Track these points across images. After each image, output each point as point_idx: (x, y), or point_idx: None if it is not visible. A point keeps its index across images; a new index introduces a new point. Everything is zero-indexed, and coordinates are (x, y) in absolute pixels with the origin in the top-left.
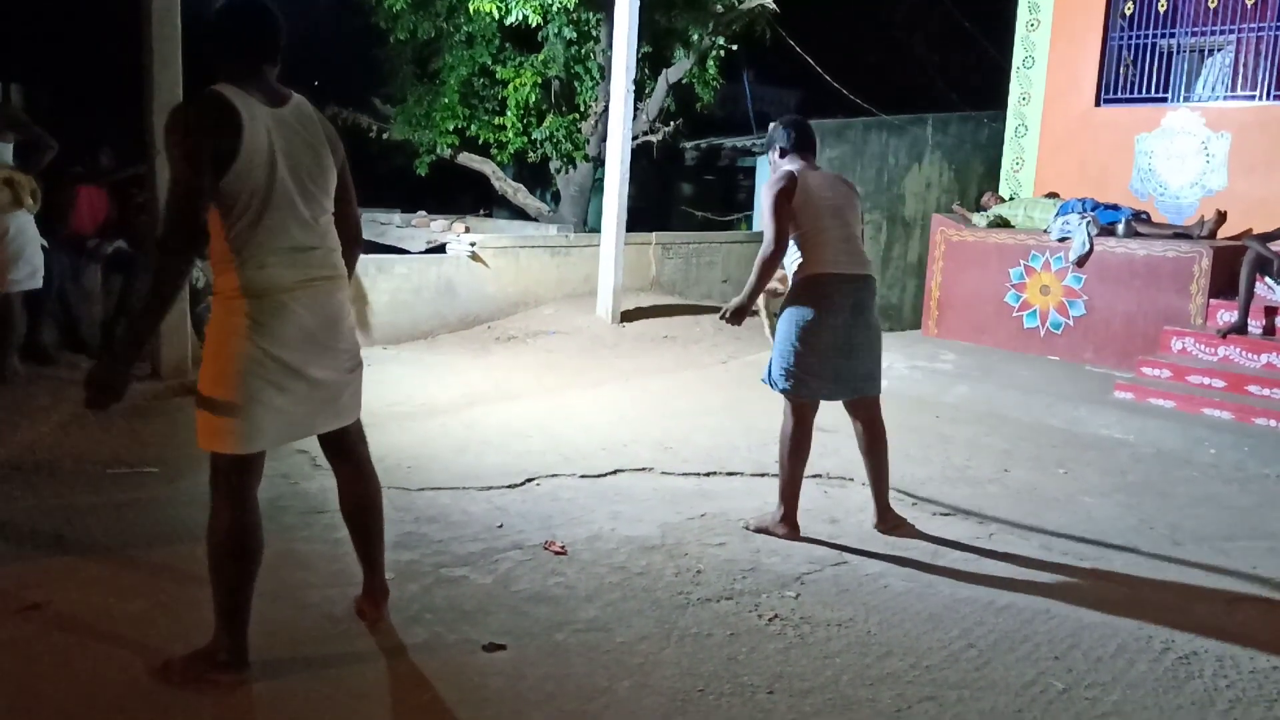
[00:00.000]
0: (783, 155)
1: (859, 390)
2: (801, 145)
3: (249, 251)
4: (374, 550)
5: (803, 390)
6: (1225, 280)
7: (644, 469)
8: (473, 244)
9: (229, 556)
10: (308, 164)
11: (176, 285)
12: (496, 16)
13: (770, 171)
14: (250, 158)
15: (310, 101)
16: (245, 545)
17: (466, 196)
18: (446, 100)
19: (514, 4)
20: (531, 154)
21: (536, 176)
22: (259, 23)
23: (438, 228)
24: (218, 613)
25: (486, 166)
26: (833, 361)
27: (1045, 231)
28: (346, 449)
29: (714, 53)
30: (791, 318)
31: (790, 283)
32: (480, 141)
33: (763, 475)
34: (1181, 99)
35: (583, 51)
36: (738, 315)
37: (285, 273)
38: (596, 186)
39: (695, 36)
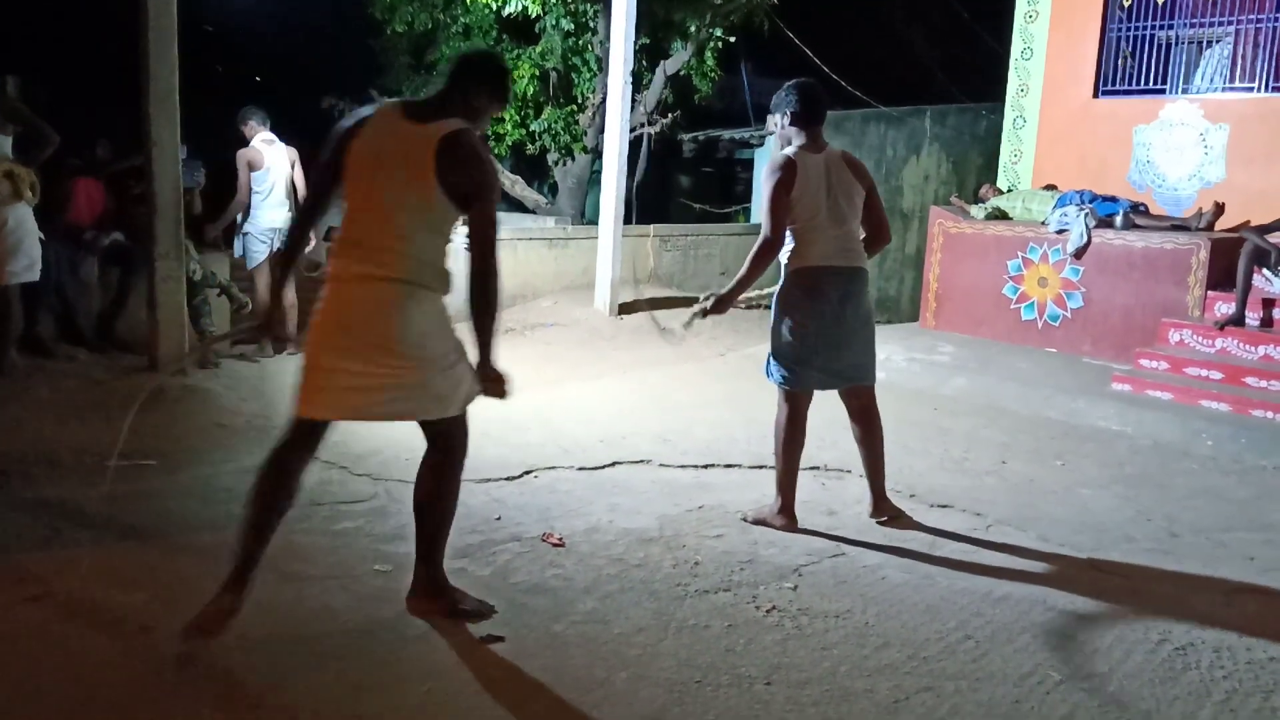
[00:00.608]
0: (792, 122)
1: (851, 380)
2: (808, 116)
3: (335, 239)
4: (421, 545)
5: (794, 380)
6: (1223, 272)
7: (642, 461)
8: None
9: (249, 501)
10: (391, 171)
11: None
12: (494, 8)
13: (774, 139)
14: (352, 157)
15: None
16: (259, 496)
17: None
18: None
19: None
20: (529, 146)
21: (534, 168)
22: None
23: None
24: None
25: None
26: (823, 352)
27: (1043, 223)
28: (427, 440)
29: (712, 44)
30: (781, 309)
31: (781, 272)
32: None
33: (761, 467)
34: (1180, 91)
35: (580, 43)
36: (720, 305)
37: (337, 262)
38: (594, 178)
39: (693, 28)
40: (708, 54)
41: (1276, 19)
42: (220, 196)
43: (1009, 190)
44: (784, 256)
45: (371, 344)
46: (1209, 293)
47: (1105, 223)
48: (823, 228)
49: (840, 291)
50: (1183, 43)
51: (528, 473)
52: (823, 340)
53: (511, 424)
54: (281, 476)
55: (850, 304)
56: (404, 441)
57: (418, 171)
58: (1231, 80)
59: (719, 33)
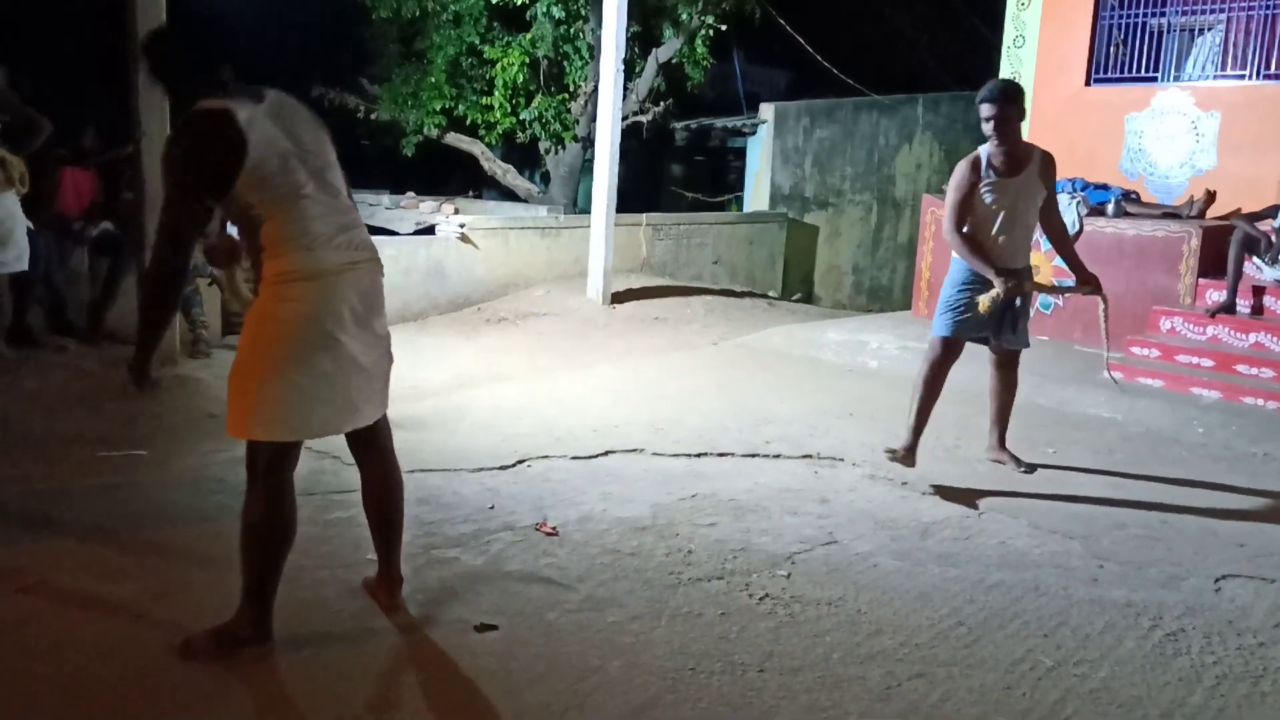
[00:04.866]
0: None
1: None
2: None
3: (292, 237)
4: (392, 540)
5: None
6: (1214, 260)
7: (635, 450)
8: (462, 225)
9: (265, 540)
10: (312, 146)
11: (177, 287)
12: None
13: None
14: (260, 155)
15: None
16: (282, 529)
17: (455, 178)
18: (433, 80)
19: None
20: (520, 135)
21: (525, 157)
22: (195, 32)
23: (426, 209)
24: (246, 590)
25: (475, 147)
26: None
27: None
28: (374, 440)
29: (703, 32)
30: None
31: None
32: (468, 122)
33: (753, 456)
34: (1171, 79)
35: (572, 31)
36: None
37: (331, 255)
38: (586, 167)
39: (684, 15)
40: (699, 42)
41: (1268, 6)
42: None
43: None
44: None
45: (378, 335)
46: (1200, 280)
47: (1097, 211)
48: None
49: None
50: (1174, 30)
51: (521, 462)
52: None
53: (504, 413)
54: (292, 508)
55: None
56: (396, 431)
57: (319, 135)
58: (1223, 68)
59: (711, 20)
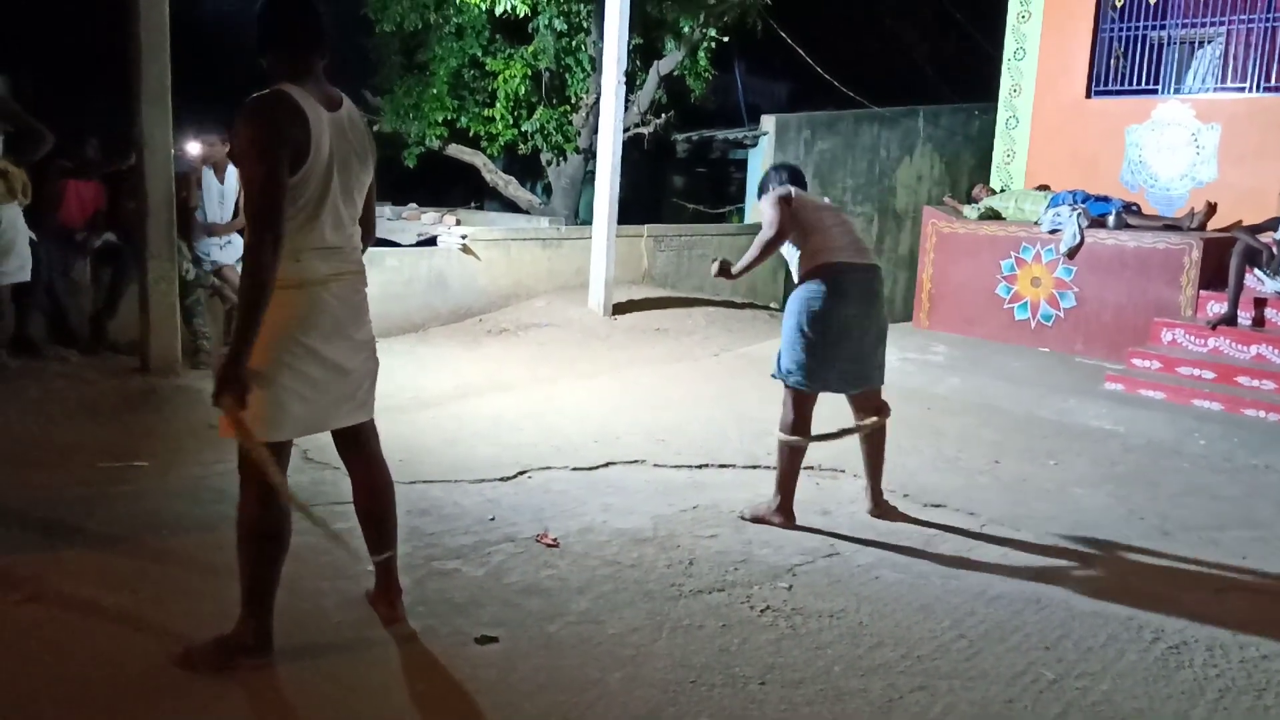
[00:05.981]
0: (785, 182)
1: (867, 382)
2: (796, 179)
3: (288, 246)
4: (385, 543)
5: (809, 381)
6: (1215, 272)
7: (636, 461)
8: (464, 236)
9: (258, 541)
10: (355, 169)
11: (275, 273)
12: (485, 7)
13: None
14: (315, 163)
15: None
16: (274, 530)
17: (457, 189)
18: (435, 91)
19: None
20: (522, 146)
21: (527, 169)
22: (304, 13)
23: (428, 220)
24: (245, 597)
25: (477, 159)
26: (843, 351)
27: (1036, 223)
28: (361, 444)
29: (705, 44)
30: (803, 306)
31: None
32: (470, 133)
33: (755, 467)
34: (1172, 91)
35: (573, 43)
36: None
37: (319, 265)
38: (588, 179)
39: (686, 28)
40: (701, 54)
41: (1268, 19)
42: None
43: (1002, 190)
44: (797, 263)
45: (359, 341)
46: (1201, 292)
47: (1098, 222)
48: (832, 228)
49: (860, 289)
50: (1174, 43)
51: (522, 473)
52: (844, 339)
53: (505, 423)
54: (283, 509)
55: (869, 301)
56: (397, 441)
57: (365, 160)
58: (1223, 80)
59: (712, 33)
